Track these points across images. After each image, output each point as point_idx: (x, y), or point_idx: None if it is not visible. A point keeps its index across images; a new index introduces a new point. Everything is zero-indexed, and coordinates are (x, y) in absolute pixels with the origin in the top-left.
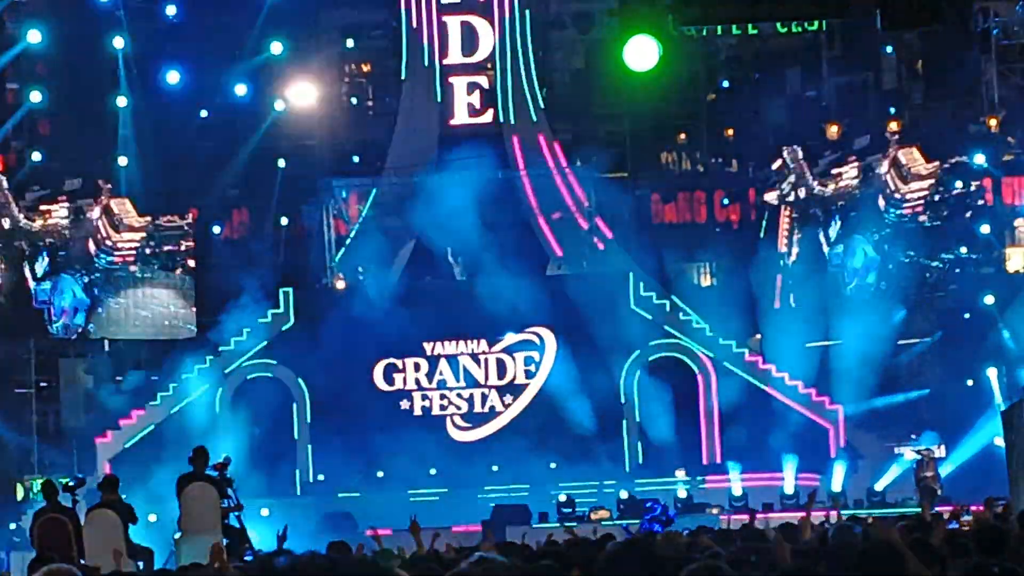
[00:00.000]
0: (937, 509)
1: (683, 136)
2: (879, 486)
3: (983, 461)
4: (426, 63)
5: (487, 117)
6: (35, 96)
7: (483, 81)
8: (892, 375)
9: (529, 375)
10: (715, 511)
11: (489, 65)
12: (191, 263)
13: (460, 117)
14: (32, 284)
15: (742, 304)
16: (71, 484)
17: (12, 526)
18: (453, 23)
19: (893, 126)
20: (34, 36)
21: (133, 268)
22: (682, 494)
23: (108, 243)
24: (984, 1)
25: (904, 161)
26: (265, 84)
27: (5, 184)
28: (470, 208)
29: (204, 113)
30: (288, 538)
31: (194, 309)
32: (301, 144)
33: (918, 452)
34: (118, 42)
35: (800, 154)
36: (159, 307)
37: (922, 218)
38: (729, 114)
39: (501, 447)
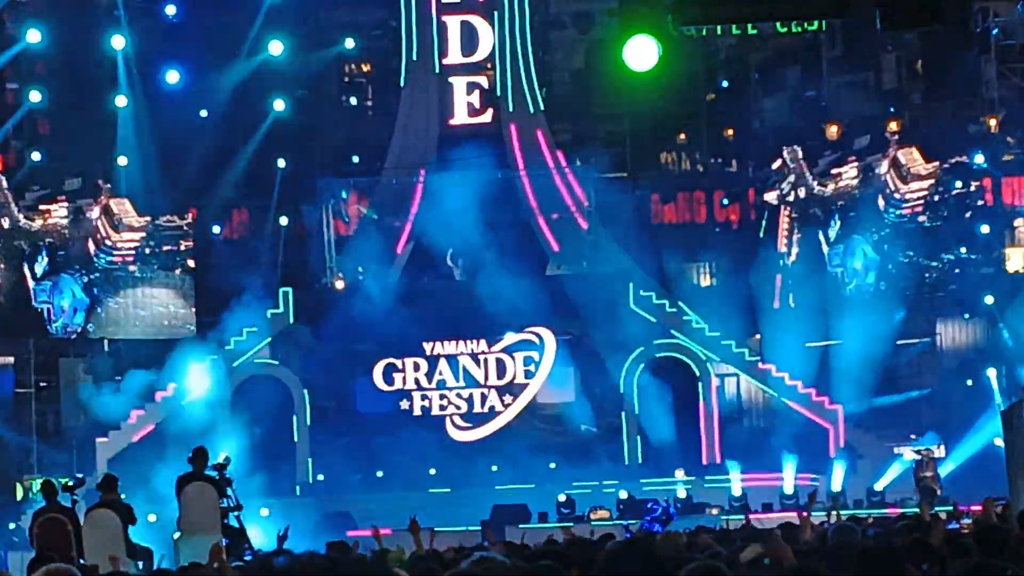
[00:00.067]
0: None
1: (683, 136)
2: (879, 486)
3: (983, 461)
4: (426, 63)
5: (487, 117)
6: (35, 96)
7: (483, 81)
8: (892, 375)
9: (528, 375)
10: (715, 511)
11: (489, 65)
12: (191, 263)
13: (460, 117)
14: (31, 284)
15: (742, 304)
16: (70, 484)
17: (12, 526)
18: (453, 23)
19: (893, 126)
20: (33, 36)
21: (132, 268)
22: (682, 494)
23: (108, 243)
24: (984, 1)
25: (904, 161)
26: (265, 84)
27: (5, 184)
28: (470, 208)
29: (204, 113)
30: (288, 538)
31: (193, 309)
32: (300, 144)
33: (918, 452)
34: (118, 42)
35: (800, 154)
36: (158, 307)
37: (922, 218)
38: (729, 114)
39: (501, 447)
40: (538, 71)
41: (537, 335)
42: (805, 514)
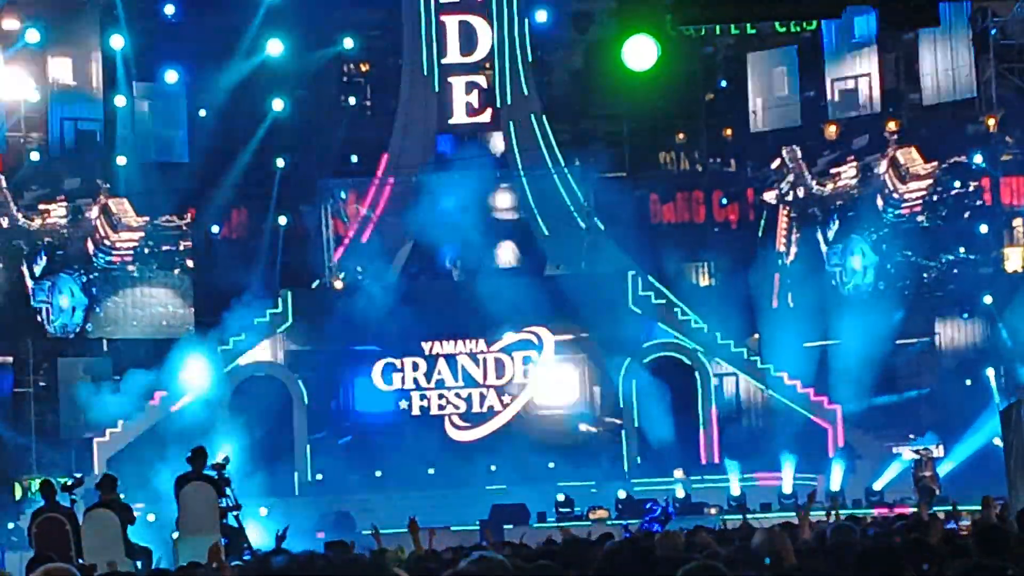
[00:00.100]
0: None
1: (682, 136)
2: (877, 486)
3: (981, 461)
4: (424, 63)
5: (485, 117)
6: (34, 96)
7: (481, 81)
8: (890, 375)
9: (527, 375)
10: (713, 511)
11: (487, 65)
12: (189, 263)
13: (459, 117)
14: (30, 284)
15: (740, 304)
16: (69, 484)
17: (11, 526)
18: (451, 23)
19: (891, 126)
20: (32, 36)
21: (131, 268)
22: (680, 494)
23: (106, 243)
24: (983, 1)
25: (902, 161)
26: (264, 84)
27: (4, 183)
28: (468, 207)
29: (203, 113)
30: (287, 538)
31: (192, 309)
32: (299, 144)
33: (916, 452)
34: (116, 41)
35: (799, 153)
36: (157, 307)
37: (920, 218)
38: (727, 114)
39: (499, 447)
40: (537, 71)
41: (536, 335)
42: (803, 514)
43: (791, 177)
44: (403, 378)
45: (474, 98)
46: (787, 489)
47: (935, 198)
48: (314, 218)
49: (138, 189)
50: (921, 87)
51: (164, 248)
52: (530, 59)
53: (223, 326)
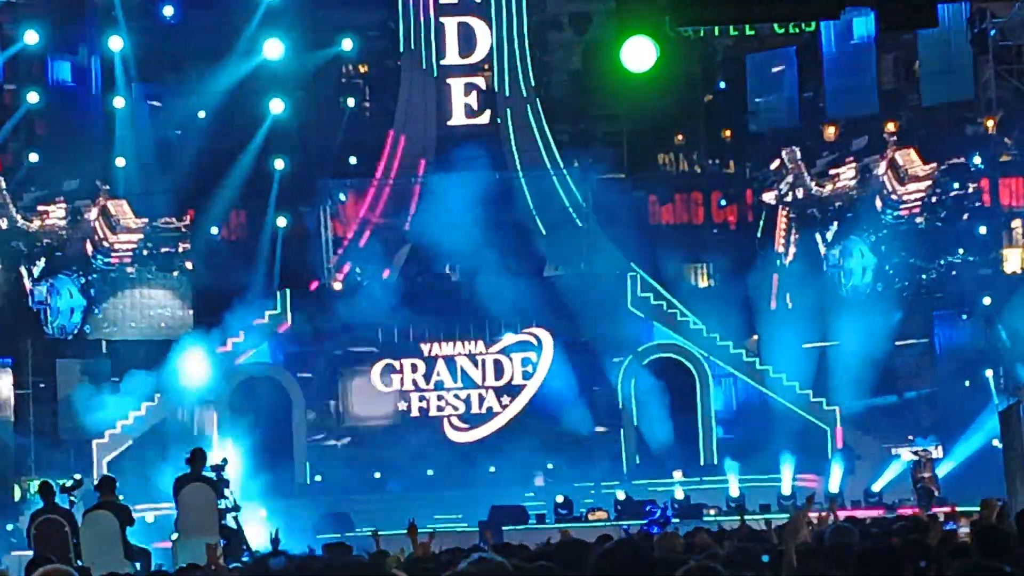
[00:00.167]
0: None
1: (680, 137)
2: (876, 487)
3: (980, 462)
4: (424, 64)
5: (484, 118)
6: (32, 97)
7: (480, 82)
8: (889, 376)
9: (526, 376)
10: (712, 512)
11: (486, 66)
12: (188, 265)
13: (458, 118)
14: (29, 285)
15: (740, 305)
16: (68, 485)
17: (10, 527)
18: (450, 24)
19: (891, 127)
20: (31, 37)
21: (130, 270)
22: (679, 495)
23: (105, 244)
24: (982, 2)
25: (901, 162)
26: (262, 85)
27: (3, 185)
28: (467, 209)
29: (202, 114)
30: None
31: (191, 311)
32: (298, 145)
33: (915, 453)
34: (115, 43)
35: (798, 154)
36: (156, 308)
37: (919, 219)
38: (726, 115)
39: (499, 448)
40: (536, 72)
41: (535, 336)
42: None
43: (790, 178)
44: (402, 379)
45: (473, 99)
46: (786, 490)
47: (934, 199)
48: (313, 219)
49: (137, 191)
50: (920, 88)
51: (163, 250)
52: (529, 60)
53: (222, 327)
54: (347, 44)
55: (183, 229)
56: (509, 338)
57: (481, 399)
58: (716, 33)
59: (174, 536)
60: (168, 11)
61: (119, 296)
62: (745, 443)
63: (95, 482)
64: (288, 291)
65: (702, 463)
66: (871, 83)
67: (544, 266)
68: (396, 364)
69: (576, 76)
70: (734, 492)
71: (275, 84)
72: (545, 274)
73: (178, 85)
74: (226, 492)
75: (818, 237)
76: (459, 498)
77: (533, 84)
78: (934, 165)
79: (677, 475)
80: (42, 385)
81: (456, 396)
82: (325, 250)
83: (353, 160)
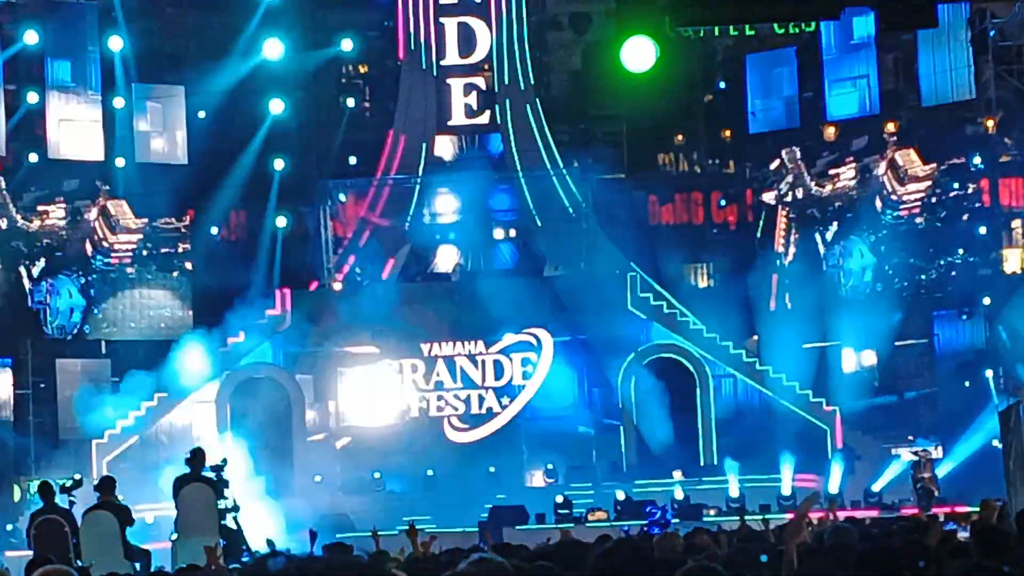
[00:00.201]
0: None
1: (680, 137)
2: (876, 487)
3: (980, 462)
4: (423, 64)
5: (484, 118)
6: (32, 97)
7: (480, 82)
8: (889, 376)
9: (526, 376)
10: (712, 512)
11: (486, 66)
12: (188, 265)
13: (457, 118)
14: (28, 285)
15: (739, 305)
16: (68, 485)
17: (9, 527)
18: (450, 24)
19: (890, 127)
20: (31, 37)
21: (130, 270)
22: (679, 495)
23: (105, 244)
24: (981, 3)
25: (901, 163)
26: (262, 85)
27: (3, 185)
28: (467, 209)
29: (202, 114)
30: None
31: (191, 311)
32: (298, 145)
33: (915, 453)
34: (115, 43)
35: (798, 155)
36: (156, 308)
37: (919, 220)
38: (726, 115)
39: (498, 448)
40: (536, 72)
41: (535, 336)
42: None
43: (790, 178)
44: (402, 379)
45: (473, 99)
46: (786, 491)
47: (934, 200)
48: (313, 219)
49: (137, 191)
50: (920, 89)
51: (163, 250)
52: (529, 60)
53: (222, 327)
54: (347, 44)
55: (183, 229)
56: (509, 338)
57: (481, 399)
58: (716, 33)
59: (173, 536)
60: (168, 11)
61: (119, 296)
62: (745, 443)
63: (95, 482)
64: (288, 291)
65: (702, 463)
66: (871, 83)
67: (544, 266)
68: (396, 364)
69: (576, 76)
70: (734, 492)
71: (275, 84)
72: (545, 274)
73: (178, 85)
74: (226, 492)
75: (818, 237)
76: (459, 498)
77: (533, 84)
78: (934, 165)
79: (677, 475)
80: (42, 385)
81: (456, 396)
82: (325, 250)
83: (353, 160)
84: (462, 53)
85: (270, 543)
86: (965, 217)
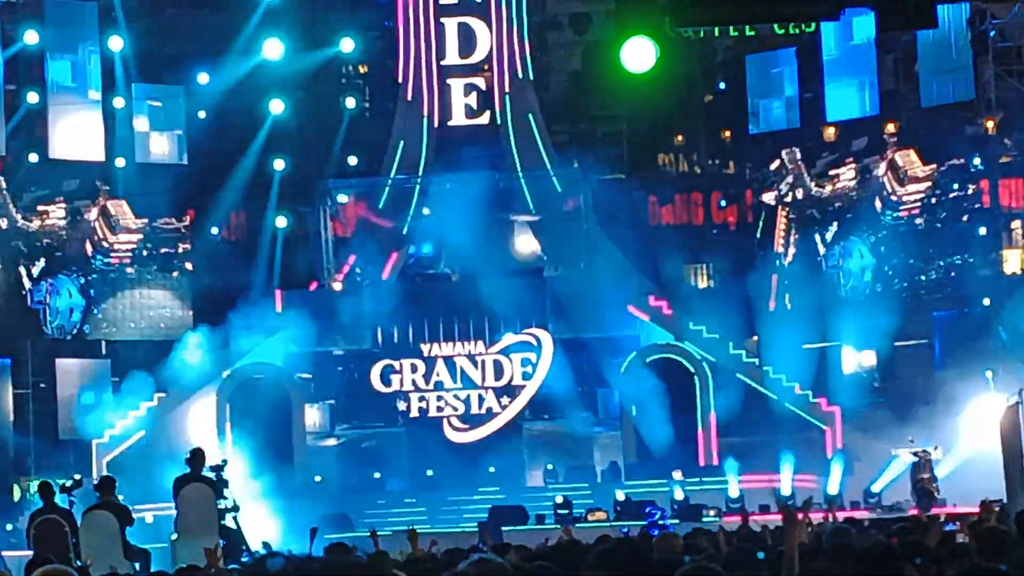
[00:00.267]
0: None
1: (680, 138)
2: (876, 488)
3: (980, 463)
4: (423, 64)
5: (484, 118)
6: (32, 97)
7: (480, 82)
8: (889, 376)
9: (526, 376)
10: (712, 513)
11: (486, 66)
12: (188, 265)
13: (457, 118)
14: (28, 285)
15: (739, 305)
16: (68, 485)
17: (9, 527)
18: (450, 24)
19: (890, 128)
20: (31, 37)
21: (130, 270)
22: (679, 496)
23: (105, 244)
24: (981, 3)
25: (901, 163)
26: (262, 85)
27: (3, 185)
28: (467, 209)
29: (202, 114)
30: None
31: (191, 311)
32: (298, 145)
33: (915, 454)
34: (115, 43)
35: (798, 155)
36: (156, 308)
37: (919, 221)
38: (726, 116)
39: (498, 448)
40: (536, 72)
41: (535, 336)
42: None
43: (790, 178)
44: (401, 380)
45: (473, 100)
46: (786, 491)
47: (933, 200)
48: (313, 220)
49: (137, 191)
50: (920, 89)
51: (163, 250)
52: (528, 61)
53: (222, 327)
54: (347, 44)
55: (183, 229)
56: (509, 338)
57: (481, 399)
58: (716, 33)
59: (173, 536)
60: (168, 11)
61: (119, 296)
62: (745, 444)
63: (95, 482)
64: (288, 291)
65: (702, 464)
66: (871, 83)
67: (544, 266)
68: (396, 364)
69: (576, 76)
70: (734, 493)
71: (275, 84)
72: (545, 274)
73: (178, 86)
74: (225, 492)
75: (817, 238)
76: (459, 498)
77: (533, 84)
78: (934, 166)
79: (677, 476)
80: (42, 385)
81: (456, 396)
82: (325, 250)
83: (353, 160)
84: (462, 53)
85: (266, 546)
86: (965, 218)
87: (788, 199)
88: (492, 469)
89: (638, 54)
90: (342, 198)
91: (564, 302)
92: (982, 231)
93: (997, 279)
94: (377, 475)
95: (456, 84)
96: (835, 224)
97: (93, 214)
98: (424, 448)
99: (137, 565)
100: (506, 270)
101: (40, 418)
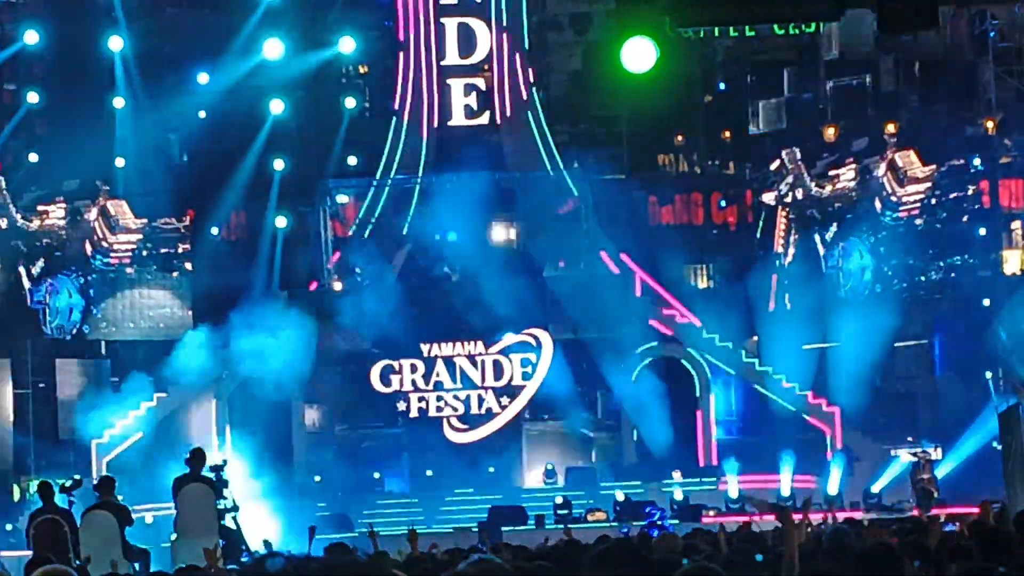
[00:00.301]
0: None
1: (680, 138)
2: (875, 488)
3: (980, 463)
4: (423, 64)
5: (484, 118)
6: (32, 97)
7: (480, 82)
8: (889, 377)
9: (526, 376)
10: (711, 513)
11: (486, 67)
12: (188, 265)
13: (457, 118)
14: (28, 284)
15: (739, 306)
16: (68, 485)
17: (9, 527)
18: (450, 24)
19: (890, 128)
20: (31, 36)
21: (129, 270)
22: (678, 496)
23: (104, 244)
24: (982, 4)
25: (901, 164)
26: (262, 85)
27: (3, 184)
28: (467, 209)
29: (202, 114)
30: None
31: (190, 311)
32: (298, 145)
33: (914, 454)
34: (115, 43)
35: (798, 155)
36: (156, 308)
37: (918, 221)
38: (726, 116)
39: (498, 448)
40: (536, 72)
41: (534, 337)
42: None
43: (790, 178)
44: (401, 380)
45: (473, 100)
46: (785, 491)
47: (933, 201)
48: (313, 220)
49: (137, 191)
50: (920, 89)
51: (163, 250)
52: (529, 61)
53: (222, 327)
54: (347, 44)
55: (183, 229)
56: (508, 338)
57: (480, 400)
58: (716, 34)
59: (173, 536)
60: (168, 11)
61: (118, 296)
62: (745, 444)
63: (94, 482)
64: (288, 291)
65: (702, 464)
66: (871, 84)
67: (544, 266)
68: (395, 364)
69: (576, 76)
70: (733, 493)
71: (275, 84)
72: (545, 274)
73: (178, 85)
74: (225, 492)
75: (817, 238)
76: (459, 498)
77: (533, 84)
78: (933, 167)
79: (676, 476)
80: (41, 385)
81: (455, 397)
82: (325, 250)
83: (353, 160)
84: (462, 53)
85: (267, 544)
86: (965, 218)
87: (788, 199)
88: (492, 469)
89: (638, 54)
90: (342, 198)
91: (564, 302)
92: (982, 232)
93: (997, 279)
94: (377, 475)
95: (456, 84)
96: (835, 224)
97: (93, 214)
98: (424, 448)
99: (137, 565)
100: (506, 270)
101: (40, 418)
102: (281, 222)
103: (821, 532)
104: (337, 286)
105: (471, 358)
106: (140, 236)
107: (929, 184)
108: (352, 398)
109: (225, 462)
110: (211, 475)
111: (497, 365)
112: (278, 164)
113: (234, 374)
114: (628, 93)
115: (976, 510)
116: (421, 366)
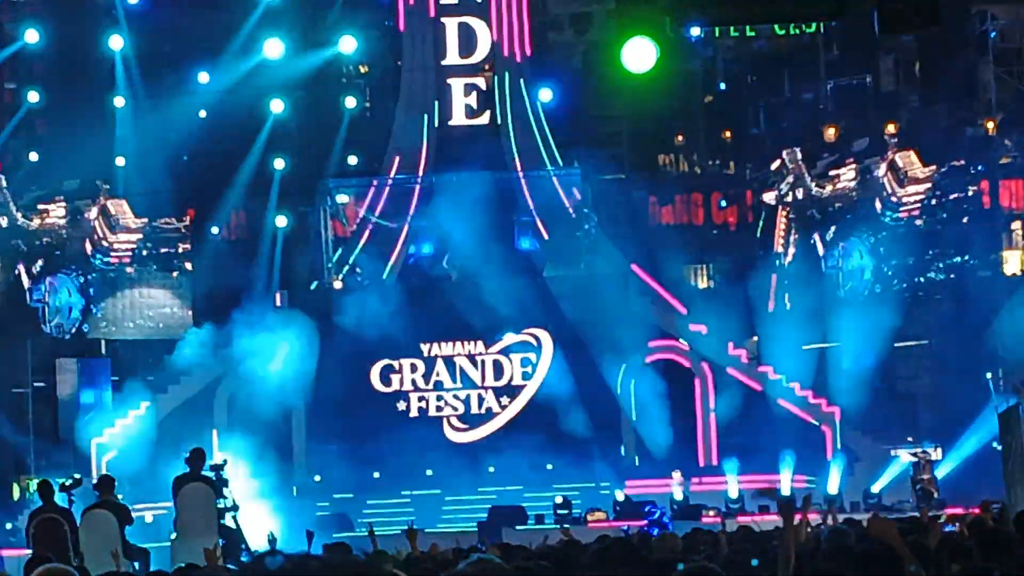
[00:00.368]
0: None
1: (681, 138)
2: (875, 488)
3: (980, 464)
4: (424, 64)
5: (484, 119)
6: (32, 96)
7: (480, 82)
8: (889, 377)
9: (526, 376)
10: (711, 514)
11: (487, 66)
12: (188, 265)
13: (457, 118)
14: (28, 284)
15: (739, 306)
16: (67, 484)
17: (8, 526)
18: (451, 24)
19: (891, 128)
20: (31, 36)
21: (129, 270)
22: (678, 496)
23: (104, 244)
24: (982, 4)
25: (901, 164)
26: (263, 85)
27: (3, 184)
28: (467, 209)
29: (202, 114)
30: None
31: (191, 311)
32: (298, 145)
33: (914, 454)
34: (116, 42)
35: (798, 155)
36: (156, 308)
37: (919, 222)
38: (727, 116)
39: (498, 448)
40: (536, 72)
41: (535, 336)
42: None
43: (790, 178)
44: (401, 379)
45: (473, 100)
46: (785, 491)
47: (933, 201)
48: (313, 219)
49: (137, 191)
50: (920, 89)
51: (163, 250)
52: (529, 61)
53: (222, 327)
54: (347, 44)
55: (183, 229)
56: (509, 338)
57: (480, 399)
58: (716, 34)
59: (172, 536)
60: (168, 10)
61: (118, 296)
62: (744, 444)
63: (94, 481)
64: (288, 291)
65: (702, 464)
66: (871, 84)
67: (544, 266)
68: (395, 364)
69: (576, 76)
70: (733, 493)
71: (275, 84)
72: (545, 274)
73: (178, 85)
74: (225, 492)
75: (817, 238)
76: (459, 498)
77: (533, 84)
78: (934, 167)
79: (676, 476)
80: (41, 384)
81: (455, 396)
82: (325, 250)
83: (353, 160)
84: (462, 53)
85: (271, 538)
86: (965, 219)
87: (788, 199)
88: (492, 469)
89: (638, 54)
90: (342, 198)
91: (565, 302)
92: (982, 232)
93: (997, 279)
94: (377, 475)
95: (456, 84)
96: (835, 225)
97: (93, 213)
98: (424, 448)
99: (137, 564)
100: (506, 270)
101: (40, 418)
102: (281, 222)
103: (820, 532)
104: (337, 285)
105: (471, 358)
106: (140, 236)
107: (929, 184)
108: (352, 398)
109: (225, 461)
110: (211, 474)
111: (497, 365)
112: (278, 164)
113: (234, 374)
114: (629, 93)
115: (976, 510)
116: (421, 366)
